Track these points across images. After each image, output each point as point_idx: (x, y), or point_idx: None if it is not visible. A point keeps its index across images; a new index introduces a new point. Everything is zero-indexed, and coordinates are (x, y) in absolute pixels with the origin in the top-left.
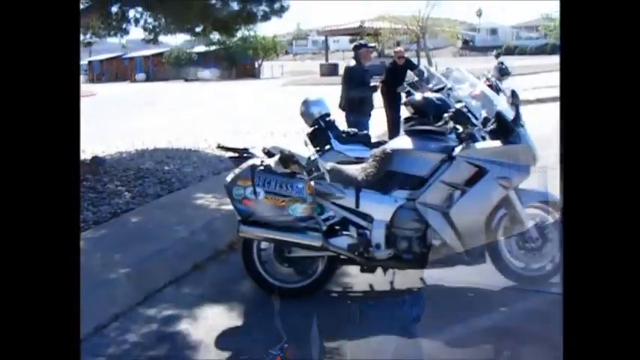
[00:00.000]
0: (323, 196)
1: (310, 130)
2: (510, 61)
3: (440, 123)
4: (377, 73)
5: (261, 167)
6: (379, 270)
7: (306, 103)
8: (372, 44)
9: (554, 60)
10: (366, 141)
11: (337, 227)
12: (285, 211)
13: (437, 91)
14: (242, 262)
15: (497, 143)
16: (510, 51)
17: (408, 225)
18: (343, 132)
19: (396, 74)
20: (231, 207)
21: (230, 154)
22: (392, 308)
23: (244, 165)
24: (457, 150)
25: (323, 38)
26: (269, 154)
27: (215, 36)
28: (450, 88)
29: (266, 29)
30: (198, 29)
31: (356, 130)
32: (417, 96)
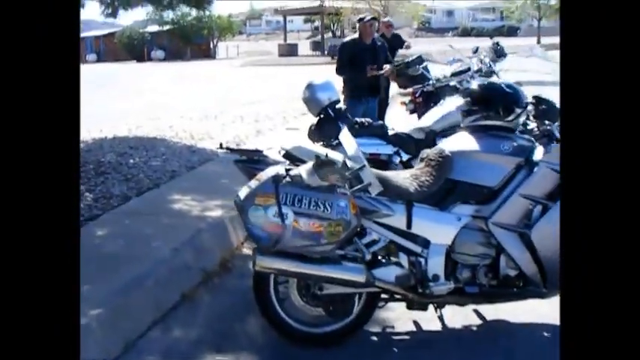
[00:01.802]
0: (364, 214)
1: (316, 120)
2: (467, 43)
3: (510, 117)
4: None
5: (288, 179)
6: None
7: (311, 88)
8: (371, 17)
9: (513, 42)
10: (381, 133)
11: (383, 255)
12: (321, 238)
13: (459, 73)
14: (255, 301)
15: None
16: (467, 32)
17: (474, 250)
18: (355, 122)
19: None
20: (217, 214)
21: (236, 156)
22: (447, 353)
23: (263, 175)
24: (537, 153)
25: (277, 18)
26: (289, 157)
27: (169, 15)
28: (478, 70)
29: (220, 9)
30: (165, 1)
31: (370, 120)
32: (474, 84)
